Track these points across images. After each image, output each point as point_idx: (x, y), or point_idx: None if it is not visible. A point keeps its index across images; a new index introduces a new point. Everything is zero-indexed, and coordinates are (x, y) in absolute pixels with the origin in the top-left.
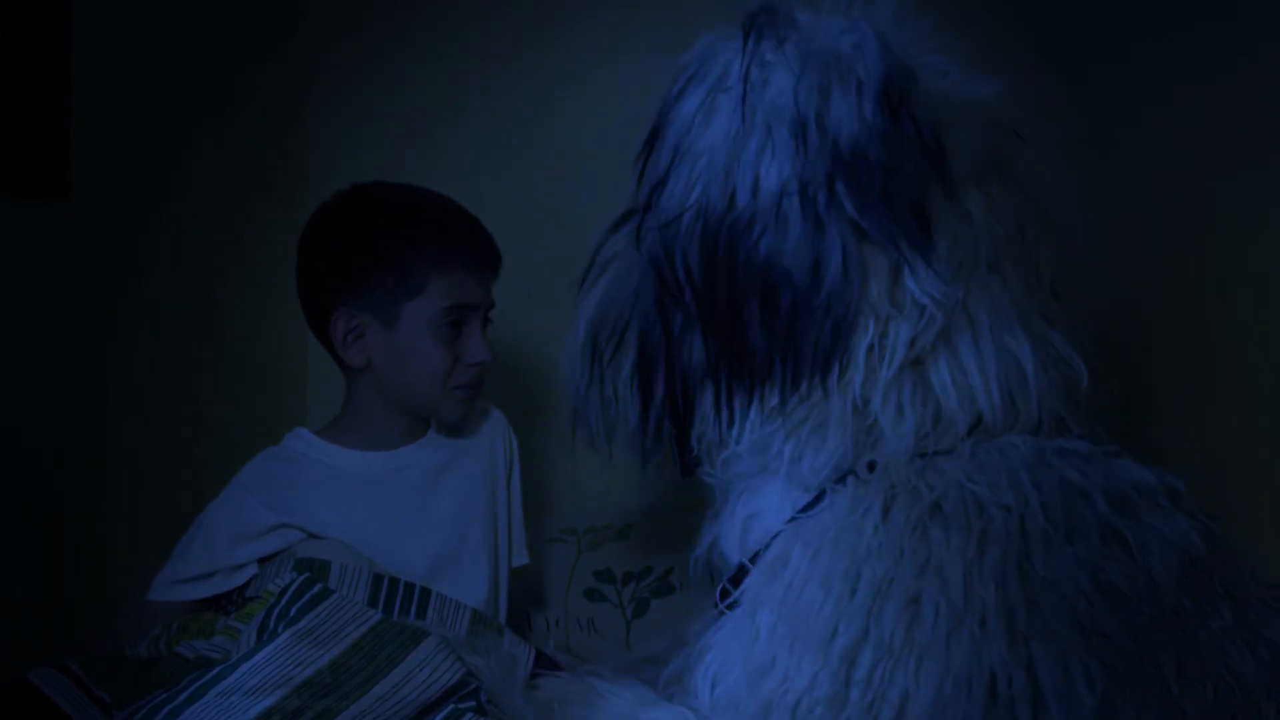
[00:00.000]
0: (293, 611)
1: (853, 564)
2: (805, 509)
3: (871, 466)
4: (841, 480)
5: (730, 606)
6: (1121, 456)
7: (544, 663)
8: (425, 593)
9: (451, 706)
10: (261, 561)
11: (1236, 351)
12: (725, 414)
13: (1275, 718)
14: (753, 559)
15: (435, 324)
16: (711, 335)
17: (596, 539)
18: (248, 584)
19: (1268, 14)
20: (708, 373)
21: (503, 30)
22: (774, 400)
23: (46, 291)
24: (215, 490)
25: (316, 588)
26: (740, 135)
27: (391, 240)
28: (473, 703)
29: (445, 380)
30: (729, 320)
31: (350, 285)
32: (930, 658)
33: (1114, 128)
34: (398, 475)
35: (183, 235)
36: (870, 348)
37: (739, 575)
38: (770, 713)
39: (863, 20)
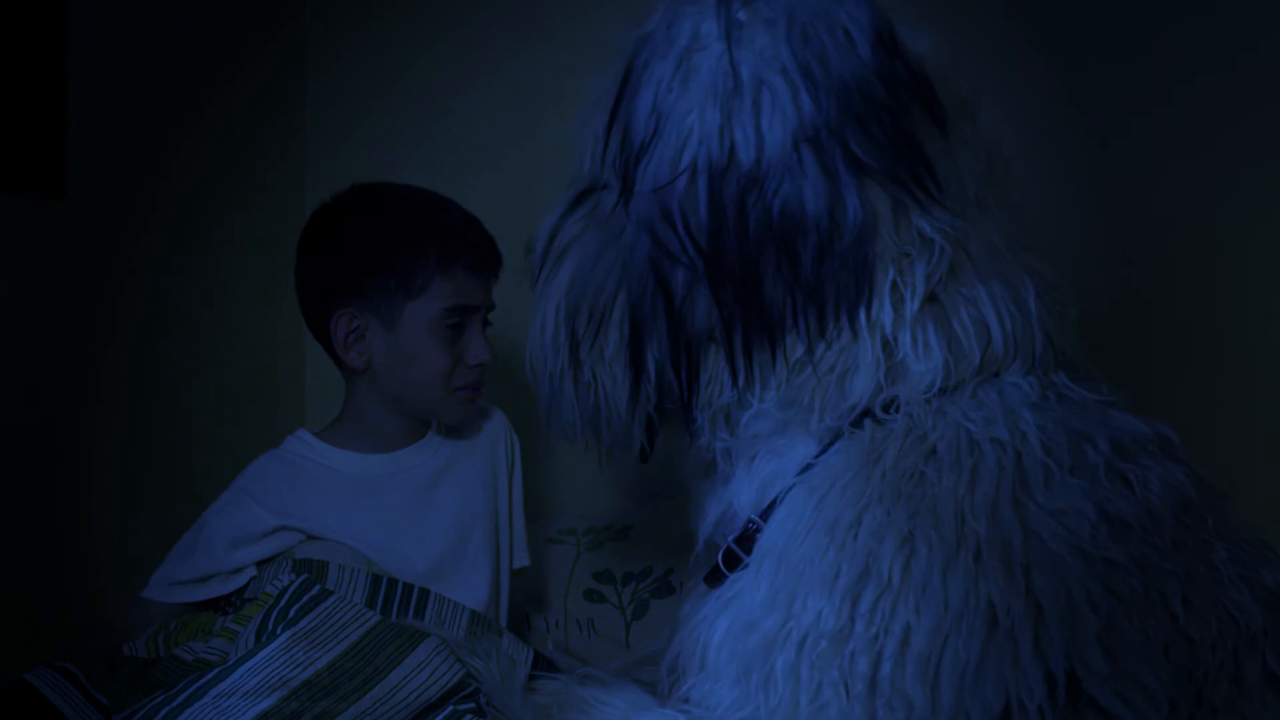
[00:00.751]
0: (291, 613)
1: (856, 509)
2: (817, 456)
3: (887, 406)
4: (858, 423)
5: (732, 568)
6: (1116, 406)
7: (543, 664)
8: (424, 593)
9: (450, 708)
10: (260, 564)
11: (1238, 345)
12: (744, 372)
13: (1272, 655)
14: (763, 516)
15: (436, 325)
16: (726, 292)
17: (596, 540)
18: (246, 585)
19: (1268, 12)
20: (721, 333)
21: (501, 29)
22: (799, 351)
23: (41, 289)
24: (211, 490)
25: (315, 589)
26: (730, 92)
27: (393, 240)
28: (472, 704)
29: (446, 381)
30: (744, 275)
31: (351, 286)
32: (928, 592)
33: (1116, 122)
34: (398, 478)
35: (178, 233)
36: (893, 286)
37: (745, 535)
38: (773, 650)
39: None
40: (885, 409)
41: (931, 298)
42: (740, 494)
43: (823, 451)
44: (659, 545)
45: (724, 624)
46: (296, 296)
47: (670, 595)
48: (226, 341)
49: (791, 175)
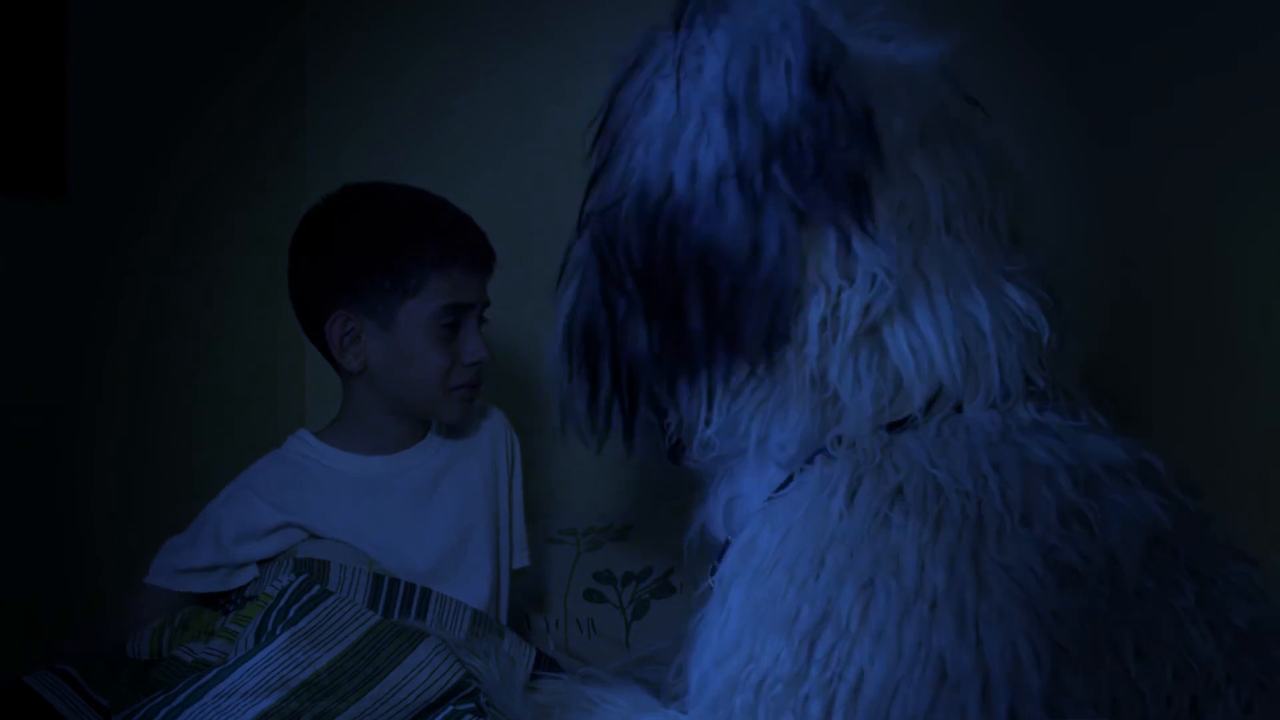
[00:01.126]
0: (291, 613)
1: (818, 549)
2: (780, 488)
3: (839, 441)
4: (810, 460)
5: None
6: (1097, 430)
7: (544, 664)
8: (425, 593)
9: (450, 708)
10: (262, 563)
11: (1238, 345)
12: (692, 400)
13: (1235, 701)
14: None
15: (433, 324)
16: (653, 320)
17: (596, 540)
18: (247, 585)
19: (1268, 12)
20: (651, 359)
21: (501, 29)
22: (733, 381)
23: (41, 289)
24: (208, 490)
25: (315, 589)
26: (676, 121)
27: (387, 240)
28: (472, 704)
29: (444, 381)
30: (669, 305)
31: (346, 287)
32: (883, 640)
33: (1116, 123)
34: (399, 478)
35: (178, 233)
36: (823, 321)
37: (724, 554)
38: (736, 691)
39: None
40: (838, 444)
41: (873, 329)
42: (711, 514)
43: (787, 483)
44: (659, 545)
45: (698, 647)
46: (290, 301)
47: (670, 595)
48: (226, 341)
49: (714, 209)
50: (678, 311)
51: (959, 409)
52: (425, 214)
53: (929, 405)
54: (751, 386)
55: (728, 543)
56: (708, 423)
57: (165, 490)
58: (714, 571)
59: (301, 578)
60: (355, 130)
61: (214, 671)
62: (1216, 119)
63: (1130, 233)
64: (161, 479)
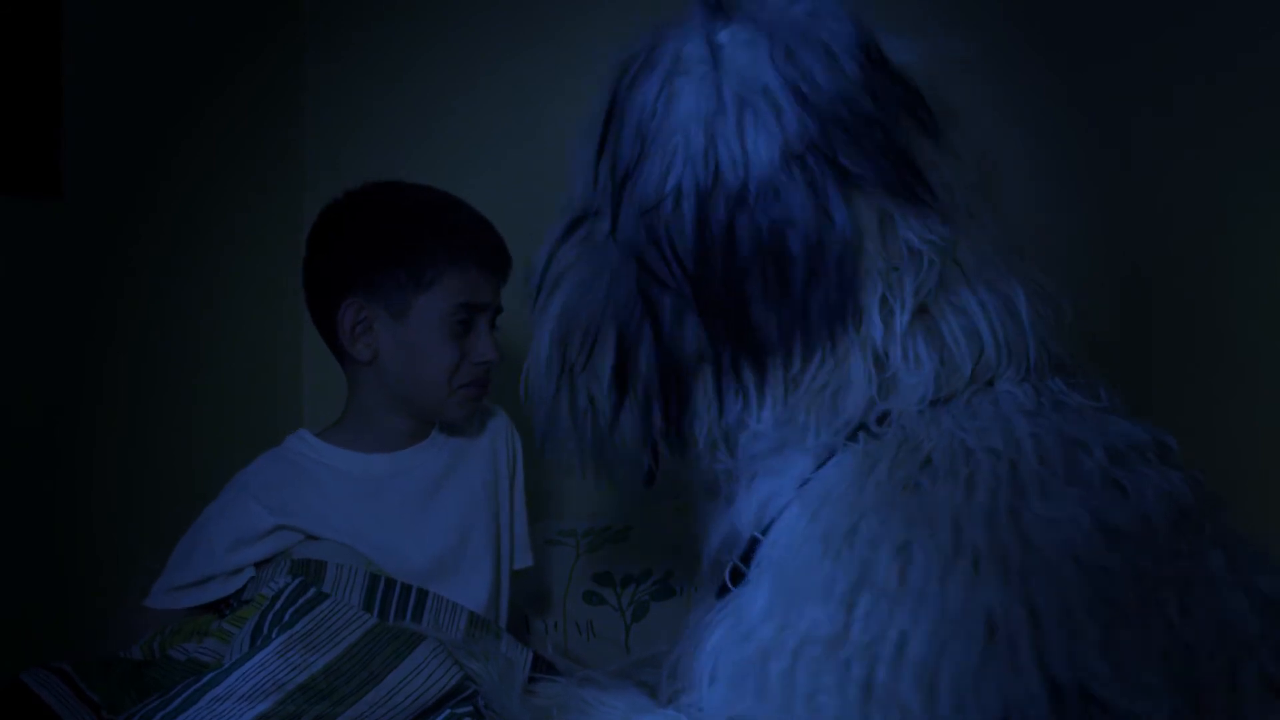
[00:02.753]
0: (287, 616)
1: (851, 521)
2: (815, 471)
3: (882, 419)
4: (853, 437)
5: (737, 582)
6: (1116, 411)
7: (542, 666)
8: (422, 594)
9: (448, 711)
10: (258, 565)
11: (1239, 346)
12: (740, 395)
13: (1269, 662)
14: (764, 531)
15: (445, 321)
16: (713, 316)
17: (595, 541)
18: (244, 588)
19: (1268, 12)
20: (708, 357)
21: (501, 29)
22: (794, 369)
23: (38, 289)
24: (211, 490)
25: (311, 592)
26: (714, 114)
27: (406, 233)
28: (469, 707)
29: (450, 378)
30: (731, 298)
31: (361, 276)
32: (926, 600)
33: (1116, 122)
34: (400, 478)
35: (177, 233)
36: (883, 300)
37: (750, 551)
38: (766, 659)
39: None
40: (879, 422)
41: (922, 309)
42: (742, 514)
43: (819, 467)
44: (659, 547)
45: (719, 633)
46: (303, 290)
47: (670, 598)
48: (225, 342)
49: (778, 195)
50: (740, 304)
51: (990, 384)
52: (445, 211)
53: (970, 380)
54: (811, 374)
55: (754, 539)
56: (759, 418)
57: (164, 490)
58: (733, 572)
59: (297, 580)
60: (355, 130)
61: (210, 675)
62: (1216, 119)
63: (1130, 233)
64: (160, 479)
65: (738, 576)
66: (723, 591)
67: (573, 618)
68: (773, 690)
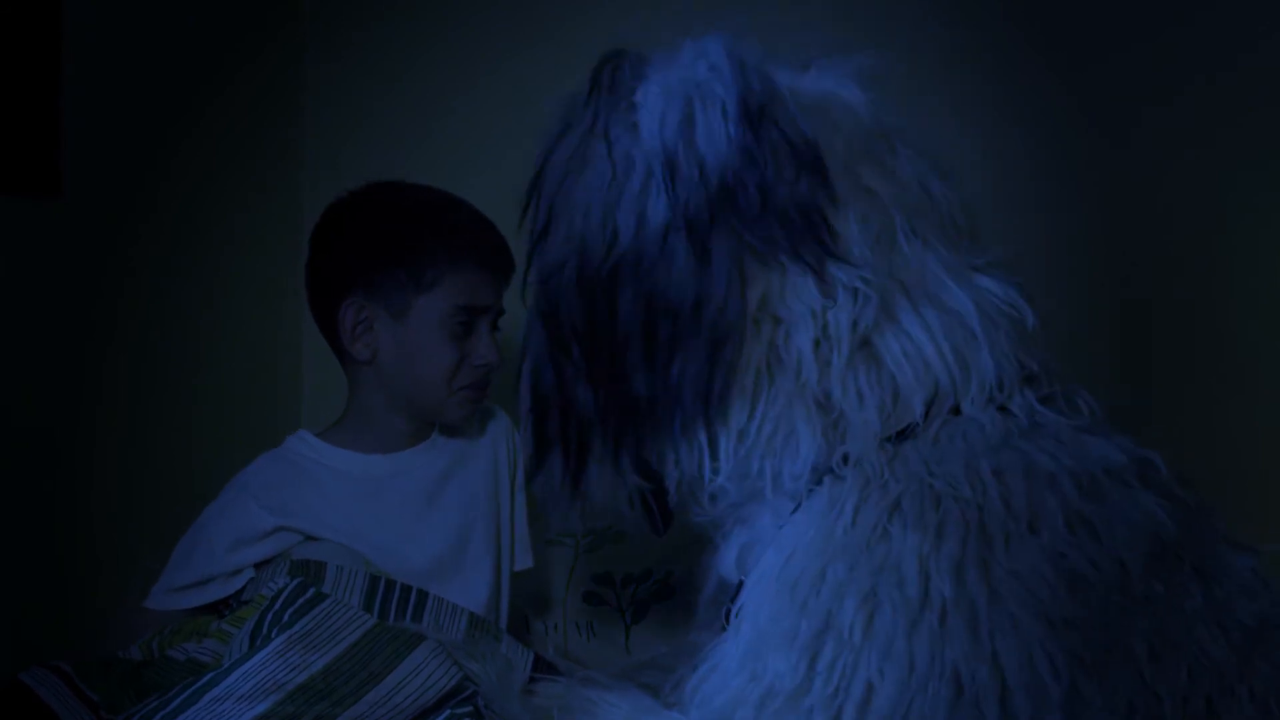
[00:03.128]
0: (286, 616)
1: (820, 567)
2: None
3: (845, 460)
4: (819, 481)
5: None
6: (1094, 428)
7: (542, 667)
8: (422, 595)
9: (448, 712)
10: (258, 565)
11: (1239, 346)
12: (688, 452)
13: (1249, 700)
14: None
15: (445, 322)
16: (598, 384)
17: (595, 542)
18: (243, 588)
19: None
20: (597, 425)
21: (501, 29)
22: (739, 421)
23: (37, 288)
24: (210, 490)
25: (310, 592)
26: (614, 181)
27: (408, 234)
28: (469, 708)
29: (450, 379)
30: (611, 367)
31: (362, 276)
32: (892, 652)
33: (1117, 122)
34: (400, 478)
35: (176, 233)
36: (816, 342)
37: (738, 592)
38: (736, 709)
39: (711, 41)
40: (844, 463)
41: (865, 343)
42: (724, 562)
43: (793, 512)
44: (659, 548)
45: (695, 679)
46: (305, 290)
47: (670, 598)
48: (225, 342)
49: (662, 261)
50: (620, 374)
51: (956, 410)
52: (446, 212)
53: (928, 409)
54: (756, 425)
55: (741, 583)
56: (715, 471)
57: (163, 490)
58: (728, 613)
59: (296, 581)
60: (355, 130)
61: (209, 675)
62: (1217, 119)
63: (1131, 232)
64: (160, 479)
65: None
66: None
67: (572, 618)
68: None
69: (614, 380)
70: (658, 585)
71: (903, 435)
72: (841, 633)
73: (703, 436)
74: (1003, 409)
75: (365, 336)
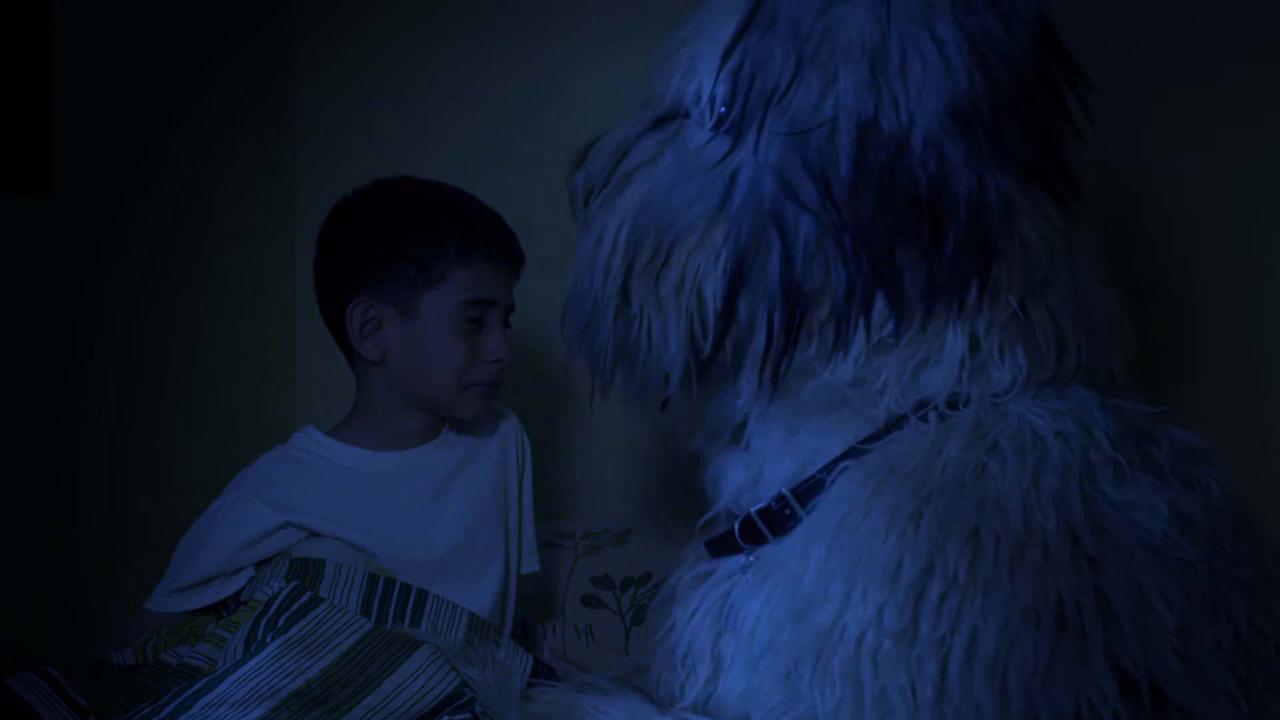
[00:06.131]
0: (281, 621)
1: (917, 502)
2: (868, 440)
3: (953, 404)
4: (922, 415)
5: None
6: (1167, 420)
7: (541, 672)
8: (422, 595)
9: (445, 717)
10: (259, 565)
11: (1249, 347)
12: (841, 340)
13: None
14: (799, 493)
15: (455, 317)
16: (857, 253)
17: (595, 544)
18: (243, 588)
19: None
20: (841, 293)
21: (494, 21)
22: (888, 330)
23: (24, 286)
24: (199, 492)
25: (306, 596)
26: (878, 50)
27: (414, 229)
28: (467, 714)
29: (461, 376)
30: (880, 239)
31: (369, 274)
32: (995, 590)
33: (1121, 119)
34: (409, 476)
35: (164, 229)
36: (994, 287)
37: (775, 509)
38: (824, 645)
39: None
40: (951, 405)
41: (1021, 306)
42: (776, 465)
43: (876, 437)
44: (659, 550)
45: (757, 609)
46: (314, 291)
47: None
48: (216, 341)
49: (941, 153)
50: (889, 247)
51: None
52: (452, 206)
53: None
54: (907, 339)
55: (779, 497)
56: (834, 370)
57: (153, 491)
58: (740, 526)
59: (292, 584)
60: (345, 128)
61: (203, 681)
62: (1224, 117)
63: (1132, 232)
64: (148, 479)
65: (749, 535)
66: (722, 546)
67: (571, 622)
68: (835, 684)
69: (878, 250)
70: (658, 588)
71: (1008, 390)
72: (948, 571)
73: (854, 331)
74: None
75: (374, 336)
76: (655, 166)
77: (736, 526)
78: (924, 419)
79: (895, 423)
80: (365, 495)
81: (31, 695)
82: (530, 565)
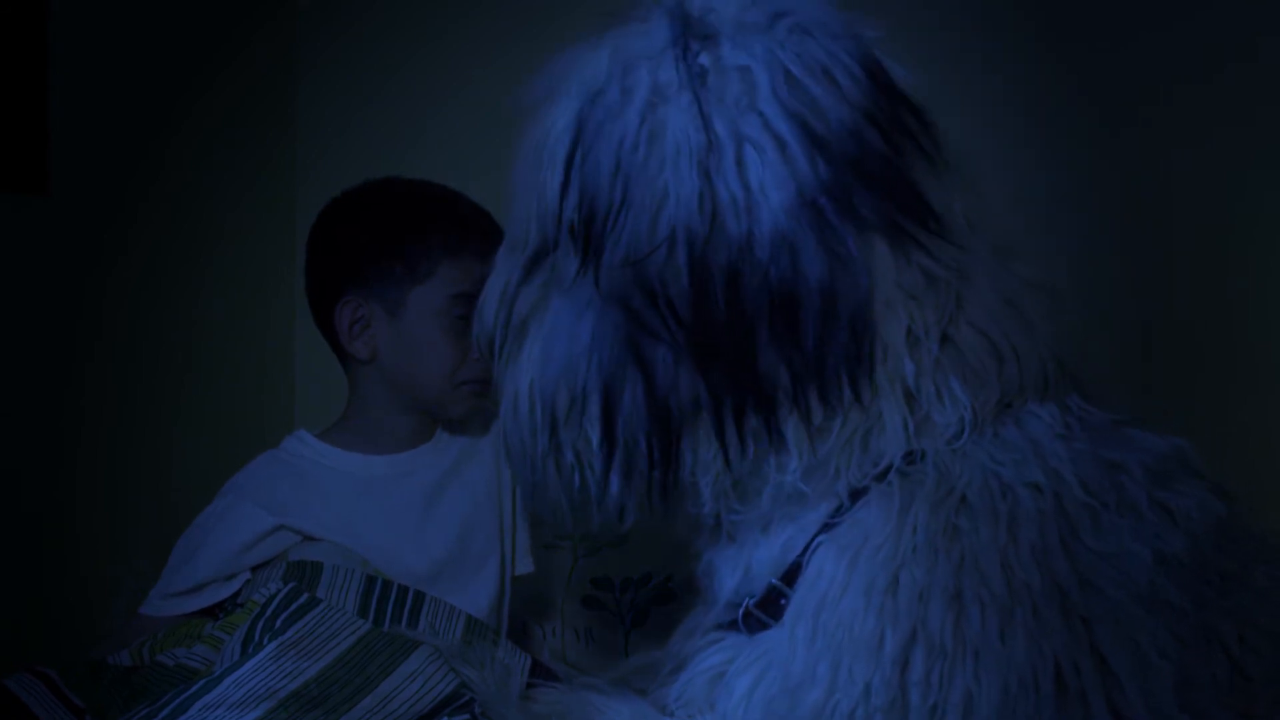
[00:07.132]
0: (278, 622)
1: (891, 569)
2: (837, 512)
3: (910, 458)
4: (882, 477)
5: (751, 629)
6: (1131, 421)
7: (540, 672)
8: (419, 597)
9: (444, 718)
10: (255, 568)
11: (1248, 346)
12: (753, 445)
13: None
14: (783, 577)
15: (443, 313)
16: (714, 368)
17: (594, 545)
18: (239, 591)
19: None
20: (710, 410)
21: (494, 21)
22: (816, 419)
23: (23, 286)
24: (196, 491)
25: (303, 597)
26: (707, 150)
27: (399, 226)
28: (466, 716)
29: (452, 374)
30: (735, 349)
31: (356, 273)
32: (986, 654)
33: (1123, 116)
34: (401, 479)
35: (164, 230)
36: (908, 334)
37: (768, 597)
38: None
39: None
40: (909, 461)
41: (944, 338)
42: (758, 555)
43: (843, 510)
44: (659, 551)
45: (747, 679)
46: (305, 293)
47: (670, 603)
48: (215, 341)
49: (792, 245)
50: (747, 355)
51: (1008, 406)
52: (438, 202)
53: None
54: (840, 420)
55: (771, 585)
56: (784, 469)
57: (152, 491)
58: (746, 618)
59: (289, 586)
60: (345, 128)
61: (200, 683)
62: (1225, 115)
63: (1134, 232)
64: (148, 480)
65: (749, 618)
66: (731, 627)
67: (570, 623)
68: None
69: (734, 361)
70: (657, 590)
71: (960, 431)
72: (932, 640)
73: (776, 432)
74: (1058, 405)
75: (363, 335)
76: (544, 312)
77: (740, 617)
78: (888, 484)
79: (860, 492)
80: (358, 500)
81: (29, 696)
82: (524, 566)
